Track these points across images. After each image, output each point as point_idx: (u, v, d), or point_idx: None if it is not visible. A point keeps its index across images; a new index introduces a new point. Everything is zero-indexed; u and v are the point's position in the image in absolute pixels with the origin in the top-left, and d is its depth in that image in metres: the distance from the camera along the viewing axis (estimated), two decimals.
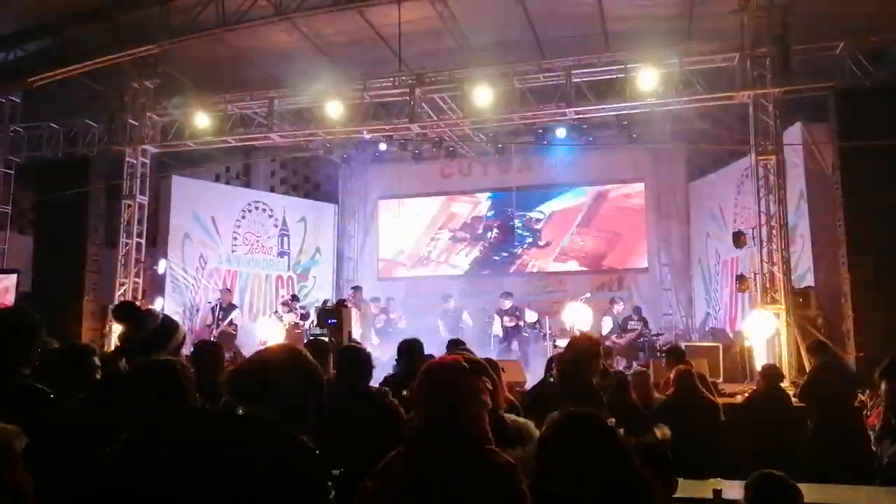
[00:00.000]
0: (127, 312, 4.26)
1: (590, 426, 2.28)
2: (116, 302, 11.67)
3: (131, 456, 1.86)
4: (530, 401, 4.50)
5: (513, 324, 13.14)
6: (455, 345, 5.64)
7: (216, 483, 1.77)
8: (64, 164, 12.91)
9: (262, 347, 2.27)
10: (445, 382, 2.23)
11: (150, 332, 3.81)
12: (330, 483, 1.96)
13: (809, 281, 10.67)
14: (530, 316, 13.54)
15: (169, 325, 3.96)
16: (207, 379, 3.35)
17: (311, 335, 11.38)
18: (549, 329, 13.28)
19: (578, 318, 12.59)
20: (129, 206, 12.78)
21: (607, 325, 12.83)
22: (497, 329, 13.27)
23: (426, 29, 10.99)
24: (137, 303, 10.33)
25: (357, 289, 14.31)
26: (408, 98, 11.64)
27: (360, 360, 3.54)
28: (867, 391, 7.44)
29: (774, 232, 9.94)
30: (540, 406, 3.72)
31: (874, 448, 6.19)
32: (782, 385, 7.71)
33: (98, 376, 3.74)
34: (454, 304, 14.13)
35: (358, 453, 2.51)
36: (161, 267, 13.54)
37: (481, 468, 2.11)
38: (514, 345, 12.96)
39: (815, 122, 10.73)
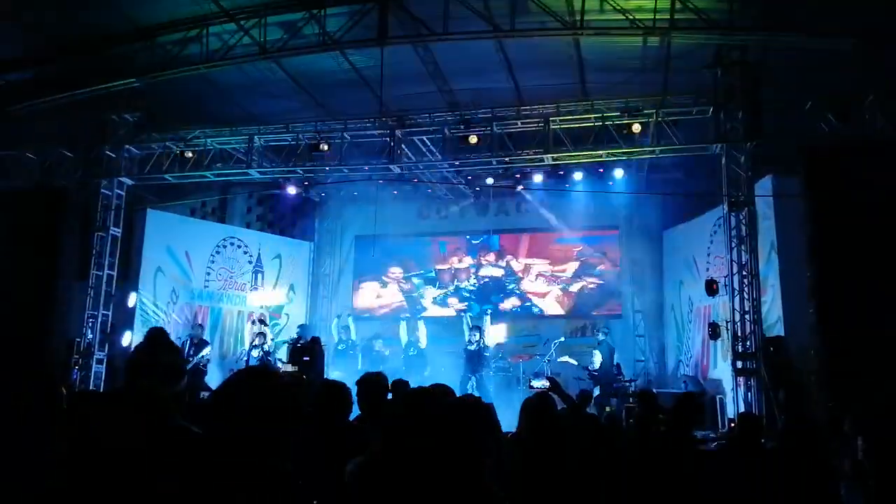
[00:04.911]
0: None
1: None
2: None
3: None
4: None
5: (474, 347, 12.84)
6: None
7: None
8: (38, 194, 12.61)
9: (239, 370, 2.23)
10: (463, 415, 2.04)
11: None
12: None
13: (780, 330, 10.79)
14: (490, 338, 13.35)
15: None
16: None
17: (283, 373, 11.21)
18: (522, 372, 13.21)
19: None
20: (102, 237, 12.64)
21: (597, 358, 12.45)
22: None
23: (408, 72, 11.15)
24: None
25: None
26: (388, 139, 11.76)
27: (338, 394, 3.52)
28: (836, 440, 7.48)
29: (746, 281, 10.07)
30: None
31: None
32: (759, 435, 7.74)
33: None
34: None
35: (332, 487, 2.48)
36: (131, 300, 13.35)
37: None
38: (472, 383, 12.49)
39: (786, 175, 10.97)
